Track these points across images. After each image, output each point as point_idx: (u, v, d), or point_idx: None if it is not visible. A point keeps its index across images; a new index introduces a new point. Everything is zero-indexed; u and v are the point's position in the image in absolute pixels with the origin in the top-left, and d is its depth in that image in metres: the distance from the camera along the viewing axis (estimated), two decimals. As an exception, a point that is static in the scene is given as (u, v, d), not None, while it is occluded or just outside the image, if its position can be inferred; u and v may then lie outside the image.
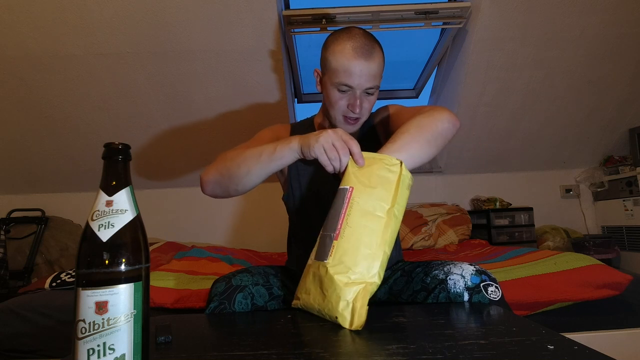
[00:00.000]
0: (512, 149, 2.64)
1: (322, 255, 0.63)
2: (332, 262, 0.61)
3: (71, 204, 2.56)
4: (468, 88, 2.21)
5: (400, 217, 0.65)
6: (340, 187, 0.67)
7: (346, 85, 0.84)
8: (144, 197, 2.65)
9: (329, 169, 0.70)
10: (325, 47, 0.89)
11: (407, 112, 0.90)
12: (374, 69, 0.84)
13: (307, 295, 0.65)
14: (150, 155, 2.43)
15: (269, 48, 1.91)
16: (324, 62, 0.89)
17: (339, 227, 0.63)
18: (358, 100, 0.85)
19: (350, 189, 0.65)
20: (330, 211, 0.67)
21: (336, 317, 0.59)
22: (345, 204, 0.64)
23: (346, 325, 0.57)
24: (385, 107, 1.02)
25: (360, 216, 0.63)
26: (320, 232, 0.67)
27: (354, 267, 0.60)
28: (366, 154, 0.69)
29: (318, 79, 0.94)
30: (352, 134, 0.96)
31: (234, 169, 0.80)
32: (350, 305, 0.58)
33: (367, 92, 0.87)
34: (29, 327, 1.28)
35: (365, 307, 0.58)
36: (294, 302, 0.70)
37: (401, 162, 0.66)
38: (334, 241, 0.62)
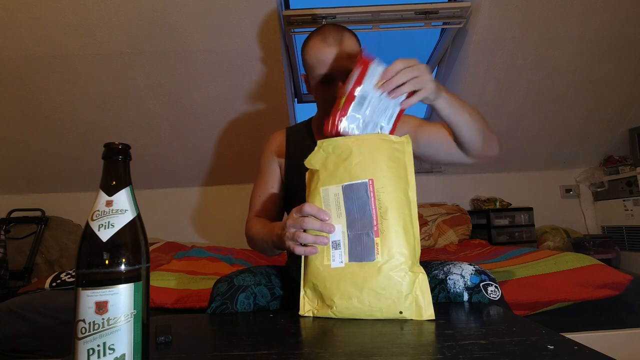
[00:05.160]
0: (512, 149, 2.64)
1: (363, 256, 0.62)
2: (382, 260, 0.61)
3: (71, 204, 2.56)
4: (468, 88, 2.21)
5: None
6: (354, 182, 0.64)
7: (325, 75, 0.86)
8: (144, 197, 2.65)
9: (299, 251, 0.67)
10: (302, 51, 0.94)
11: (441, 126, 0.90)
12: (346, 51, 0.85)
13: (348, 300, 0.62)
14: (150, 155, 2.43)
15: (269, 48, 1.91)
16: (304, 64, 0.93)
17: (375, 223, 0.62)
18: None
19: (370, 181, 0.64)
20: (350, 208, 0.64)
21: (400, 312, 0.60)
22: (372, 198, 0.63)
23: (413, 316, 0.60)
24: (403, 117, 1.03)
25: (390, 205, 0.63)
26: (347, 233, 0.63)
27: (403, 257, 0.61)
28: (370, 136, 0.68)
29: (306, 83, 0.98)
30: None
31: (256, 247, 0.96)
32: (414, 296, 0.60)
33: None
34: (29, 327, 1.28)
35: (430, 296, 0.60)
36: (318, 311, 0.65)
37: (406, 137, 0.67)
38: (376, 238, 0.62)
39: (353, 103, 0.68)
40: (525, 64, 2.11)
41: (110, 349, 0.37)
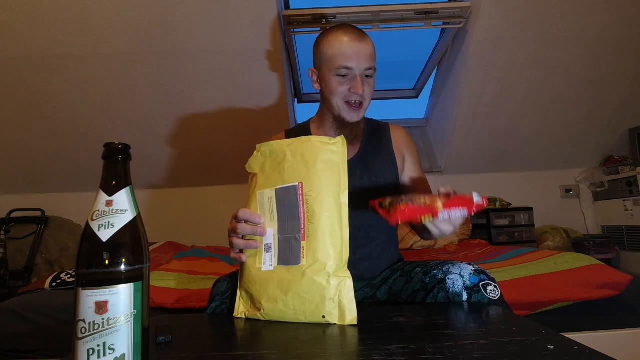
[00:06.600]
0: (512, 149, 2.64)
1: (290, 260, 0.62)
2: (307, 264, 0.61)
3: (71, 204, 2.56)
4: (468, 88, 2.21)
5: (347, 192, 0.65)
6: (286, 185, 0.65)
7: (345, 67, 0.87)
8: (144, 197, 2.66)
9: (232, 257, 0.69)
10: (318, 43, 0.94)
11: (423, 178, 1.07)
12: (368, 50, 0.88)
13: (274, 303, 0.62)
14: (150, 155, 2.43)
15: (269, 48, 1.91)
16: (319, 56, 0.92)
17: (302, 227, 0.62)
18: (360, 82, 0.88)
19: (300, 184, 0.64)
20: (282, 211, 0.65)
21: (323, 316, 0.60)
22: (301, 202, 0.63)
23: (335, 321, 0.59)
24: (405, 133, 1.06)
25: (318, 208, 0.62)
26: (277, 236, 0.64)
27: (329, 261, 0.61)
28: (306, 139, 0.68)
29: (315, 77, 0.97)
30: (357, 131, 0.96)
31: None
32: (337, 301, 0.59)
33: (366, 75, 0.90)
34: (29, 327, 1.28)
35: (354, 301, 0.59)
36: (248, 312, 0.66)
37: (341, 138, 0.66)
38: (302, 242, 0.62)
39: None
40: (525, 64, 2.11)
41: (110, 349, 0.37)
